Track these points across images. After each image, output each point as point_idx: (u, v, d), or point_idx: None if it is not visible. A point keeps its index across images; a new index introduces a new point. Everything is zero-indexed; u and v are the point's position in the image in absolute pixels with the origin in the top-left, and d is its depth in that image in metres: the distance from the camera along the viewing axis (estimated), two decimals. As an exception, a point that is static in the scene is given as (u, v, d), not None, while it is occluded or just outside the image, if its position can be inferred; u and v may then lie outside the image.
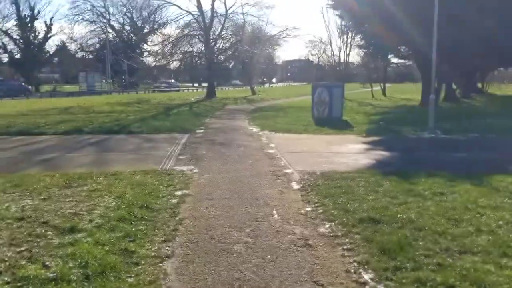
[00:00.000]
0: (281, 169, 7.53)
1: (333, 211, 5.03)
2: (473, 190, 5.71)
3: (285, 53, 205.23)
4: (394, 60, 36.38)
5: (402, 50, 26.68)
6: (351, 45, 37.51)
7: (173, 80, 76.63)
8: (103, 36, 59.96)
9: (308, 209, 5.24)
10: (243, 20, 35.90)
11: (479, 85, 41.38)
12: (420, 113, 17.96)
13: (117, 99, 31.67)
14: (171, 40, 36.03)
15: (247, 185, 6.42)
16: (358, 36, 28.98)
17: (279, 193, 5.97)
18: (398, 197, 5.49)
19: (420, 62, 23.37)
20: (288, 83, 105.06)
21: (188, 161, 8.33)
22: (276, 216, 5.00)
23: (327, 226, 4.65)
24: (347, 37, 35.79)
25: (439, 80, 23.97)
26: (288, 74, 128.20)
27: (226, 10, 35.07)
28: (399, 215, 4.78)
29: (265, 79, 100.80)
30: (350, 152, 9.35)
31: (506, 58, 24.98)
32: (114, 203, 5.30)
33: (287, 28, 33.83)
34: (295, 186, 6.39)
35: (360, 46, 31.71)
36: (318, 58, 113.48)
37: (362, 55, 41.01)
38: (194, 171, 7.40)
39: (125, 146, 10.45)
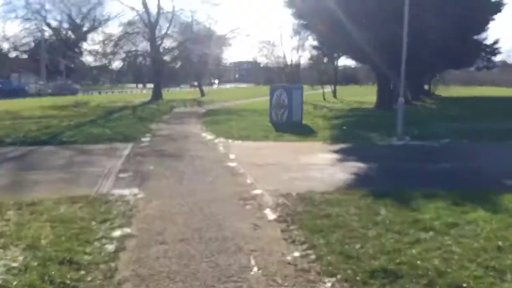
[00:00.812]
0: (248, 190, 6.16)
1: (330, 258, 3.74)
2: (491, 219, 4.65)
3: (233, 55, 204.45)
4: (347, 62, 36.17)
5: (356, 51, 26.17)
6: (303, 46, 36.93)
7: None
8: (39, 34, 55.64)
9: (296, 254, 3.91)
10: (191, 18, 34.17)
11: (426, 87, 42.29)
12: (380, 117, 17.34)
13: (52, 102, 28.82)
14: (112, 39, 33.56)
15: (210, 216, 4.99)
16: (312, 36, 28.23)
17: (252, 229, 4.60)
18: (406, 232, 4.30)
19: (375, 64, 22.94)
20: (236, 85, 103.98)
21: (131, 181, 6.75)
22: (255, 269, 3.63)
23: (329, 285, 3.35)
24: (299, 38, 35.07)
25: (394, 82, 23.78)
26: (237, 76, 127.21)
27: (173, 7, 33.18)
28: (419, 263, 3.57)
29: (213, 81, 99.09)
30: (321, 163, 8.17)
31: (453, 59, 25.22)
32: (21, 258, 3.69)
33: (238, 28, 32.48)
34: (270, 215, 5.06)
35: (314, 47, 31.04)
36: (267, 59, 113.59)
37: (313, 56, 40.70)
38: (139, 196, 5.85)
39: (53, 161, 8.59)
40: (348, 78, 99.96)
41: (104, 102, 29.05)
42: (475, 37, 22.57)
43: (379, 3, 17.57)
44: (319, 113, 19.40)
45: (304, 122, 15.21)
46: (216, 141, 11.27)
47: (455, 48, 21.95)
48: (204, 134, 12.66)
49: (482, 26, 21.28)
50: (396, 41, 18.06)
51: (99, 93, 48.29)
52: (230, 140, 11.32)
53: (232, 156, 8.95)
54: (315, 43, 31.09)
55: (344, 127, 13.57)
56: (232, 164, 8.11)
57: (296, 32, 34.66)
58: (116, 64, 51.67)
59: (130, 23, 34.29)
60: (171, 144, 10.53)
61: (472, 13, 20.48)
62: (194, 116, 19.52)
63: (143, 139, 11.57)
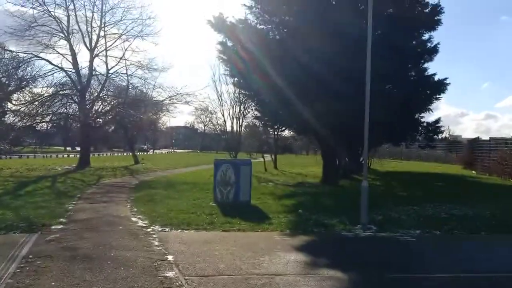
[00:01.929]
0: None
1: None
2: None
3: (170, 120, 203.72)
4: (287, 133, 35.64)
5: (299, 125, 25.48)
6: (243, 115, 36.09)
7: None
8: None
9: None
10: (126, 82, 32.26)
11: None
12: (332, 195, 16.02)
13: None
14: (38, 99, 30.57)
15: None
16: (254, 106, 27.38)
17: None
18: None
19: (319, 137, 22.19)
20: (172, 150, 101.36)
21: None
22: None
23: None
24: (241, 107, 34.26)
25: (337, 156, 23.06)
26: (173, 141, 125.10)
27: (108, 70, 31.27)
28: None
29: (148, 146, 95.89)
30: (289, 272, 6.27)
31: (391, 134, 25.05)
32: None
33: (177, 94, 30.99)
34: None
35: (255, 117, 30.16)
36: (205, 126, 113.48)
37: (253, 125, 40.04)
38: None
39: None
40: (284, 147, 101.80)
41: (20, 170, 25.49)
42: (418, 115, 22.74)
43: (321, 79, 17.14)
44: (266, 190, 17.75)
45: (252, 201, 13.41)
46: (150, 230, 9.04)
47: (398, 125, 21.93)
48: (134, 218, 10.35)
49: (425, 105, 21.50)
50: (337, 116, 17.54)
51: (20, 157, 43.68)
52: (167, 229, 9.15)
53: (170, 258, 6.81)
54: (257, 113, 30.34)
55: (300, 211, 11.90)
56: (171, 275, 5.97)
57: (238, 101, 33.80)
58: (43, 126, 47.81)
59: (60, 84, 31.72)
60: (89, 238, 8.12)
61: (417, 92, 20.71)
62: (124, 190, 17.01)
63: (54, 227, 9.02)
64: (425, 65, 22.63)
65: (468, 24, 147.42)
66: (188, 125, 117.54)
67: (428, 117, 24.46)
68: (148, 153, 76.28)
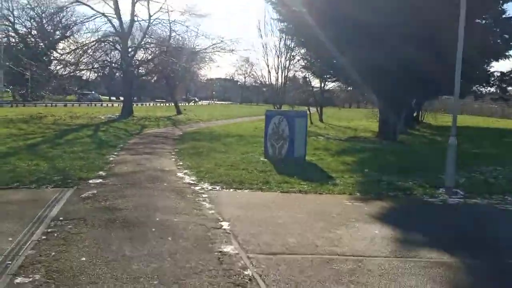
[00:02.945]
0: None
1: None
2: None
3: (211, 70, 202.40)
4: (333, 85, 33.26)
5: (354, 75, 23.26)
6: (288, 67, 33.90)
7: (92, 92, 69.06)
8: (6, 40, 51.26)
9: None
10: (169, 29, 30.76)
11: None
12: (394, 152, 14.25)
13: (1, 114, 24.69)
14: (82, 47, 29.72)
15: None
16: (302, 56, 25.17)
17: None
18: None
19: (378, 88, 20.05)
20: (213, 102, 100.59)
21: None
22: None
23: None
24: (288, 55, 32.05)
25: (396, 109, 20.85)
26: (213, 93, 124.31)
27: (150, 16, 29.82)
28: None
29: (190, 97, 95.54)
30: (381, 254, 4.85)
31: (445, 86, 22.33)
32: None
33: (222, 41, 29.22)
34: None
35: (304, 67, 28.09)
36: (245, 77, 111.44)
37: (294, 78, 37.95)
38: None
39: None
40: (327, 100, 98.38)
41: (63, 117, 25.12)
42: (490, 65, 20.06)
43: (387, 20, 14.84)
44: (318, 144, 16.17)
45: (307, 158, 11.97)
46: (198, 188, 7.82)
47: (467, 74, 19.45)
48: (180, 174, 9.17)
49: (503, 51, 18.73)
50: (414, 63, 15.43)
51: (65, 105, 44.01)
52: (218, 188, 7.90)
53: (226, 226, 5.55)
54: (305, 62, 28.20)
55: (366, 170, 10.34)
56: (229, 250, 4.70)
57: (287, 49, 31.52)
58: (87, 74, 47.78)
59: (103, 34, 30.69)
60: (131, 196, 6.98)
61: (495, 36, 17.97)
62: (168, 141, 15.99)
63: (92, 181, 7.98)
64: (504, 6, 19.61)
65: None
66: (228, 77, 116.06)
67: (502, 67, 21.52)
68: (189, 104, 75.78)
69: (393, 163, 11.56)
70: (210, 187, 7.94)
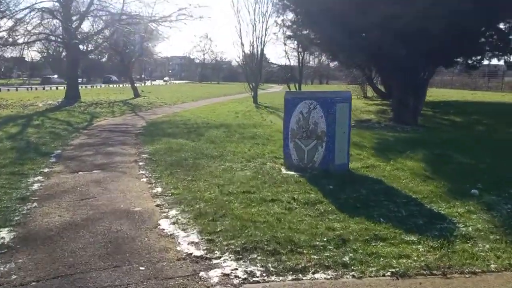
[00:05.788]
0: None
1: None
2: None
3: (165, 48, 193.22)
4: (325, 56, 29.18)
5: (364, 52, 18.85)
6: (265, 37, 29.24)
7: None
8: None
9: None
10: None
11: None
12: (449, 143, 10.33)
13: None
14: (7, 14, 23.74)
15: None
16: (296, 18, 20.50)
17: None
18: None
19: (391, 59, 15.99)
20: (170, 81, 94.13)
21: None
22: None
23: None
24: (265, 26, 27.37)
25: (414, 87, 16.94)
26: (170, 71, 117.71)
27: (96, -24, 24.16)
28: None
29: (145, 77, 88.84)
30: None
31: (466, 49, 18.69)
32: None
33: (190, 5, 24.16)
34: None
35: (292, 37, 23.65)
36: (204, 54, 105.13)
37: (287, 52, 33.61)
38: None
39: None
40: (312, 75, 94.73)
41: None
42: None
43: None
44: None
45: (350, 165, 7.79)
46: (216, 279, 3.47)
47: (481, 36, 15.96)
48: (166, 226, 4.68)
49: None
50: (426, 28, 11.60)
51: (8, 90, 38.18)
52: (257, 274, 3.58)
53: None
54: (287, 32, 23.78)
55: (474, 191, 6.32)
56: None
57: (260, 19, 26.82)
58: (29, 55, 41.59)
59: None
60: None
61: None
62: (129, 138, 11.31)
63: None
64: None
65: None
66: (185, 55, 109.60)
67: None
68: (146, 84, 69.47)
69: (488, 167, 7.59)
70: (241, 273, 3.59)
